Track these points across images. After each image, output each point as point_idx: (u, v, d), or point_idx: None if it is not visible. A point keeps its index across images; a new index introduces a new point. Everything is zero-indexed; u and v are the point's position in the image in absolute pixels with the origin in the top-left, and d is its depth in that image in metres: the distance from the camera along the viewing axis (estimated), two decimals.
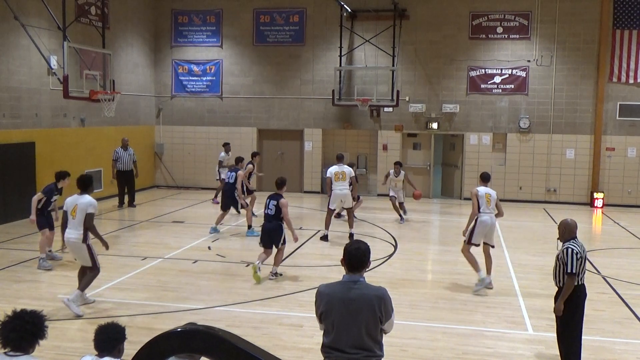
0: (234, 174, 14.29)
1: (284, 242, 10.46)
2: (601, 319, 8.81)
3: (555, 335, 7.15)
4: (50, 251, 11.34)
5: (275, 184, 10.67)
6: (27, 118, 15.77)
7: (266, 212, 10.41)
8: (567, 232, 6.84)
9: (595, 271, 11.45)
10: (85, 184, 8.83)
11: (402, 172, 16.31)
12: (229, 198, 14.32)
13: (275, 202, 10.31)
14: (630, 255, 13.01)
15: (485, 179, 10.40)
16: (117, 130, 19.12)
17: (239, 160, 14.87)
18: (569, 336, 6.81)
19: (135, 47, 20.87)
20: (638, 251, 13.38)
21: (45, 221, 11.14)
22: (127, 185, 17.84)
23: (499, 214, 10.30)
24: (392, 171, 16.38)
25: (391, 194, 16.29)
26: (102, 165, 18.53)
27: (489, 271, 10.14)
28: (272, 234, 10.33)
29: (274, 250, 10.51)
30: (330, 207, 13.78)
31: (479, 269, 10.05)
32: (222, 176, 18.92)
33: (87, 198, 8.72)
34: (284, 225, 10.36)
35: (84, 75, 15.46)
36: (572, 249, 6.65)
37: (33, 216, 10.94)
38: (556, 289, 6.93)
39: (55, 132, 16.78)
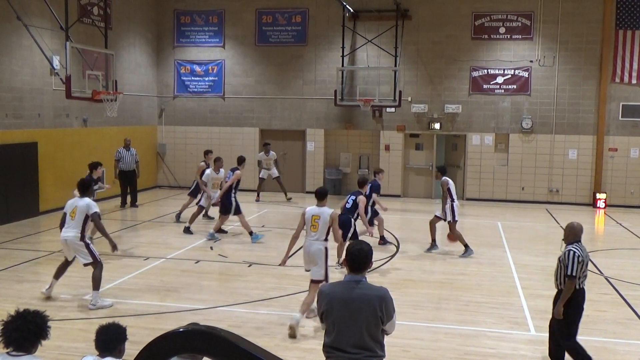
0: (231, 173, 13.73)
1: (352, 238, 10.77)
2: (603, 319, 8.80)
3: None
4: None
5: (357, 183, 11.93)
6: (29, 118, 15.79)
7: (345, 205, 11.32)
8: (572, 234, 6.85)
9: (598, 272, 11.43)
10: (85, 187, 9.20)
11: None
12: (225, 199, 13.67)
13: (354, 197, 11.28)
14: (632, 256, 12.98)
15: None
16: (120, 130, 19.14)
17: (242, 160, 14.39)
18: (568, 336, 6.81)
19: (137, 47, 20.89)
20: None
21: None
22: (129, 185, 17.86)
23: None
24: None
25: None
26: (104, 165, 18.39)
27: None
28: (342, 226, 10.45)
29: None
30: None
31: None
32: (261, 175, 19.42)
33: (86, 200, 9.02)
34: (353, 222, 11.06)
35: (87, 76, 15.49)
36: (574, 252, 6.66)
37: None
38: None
39: (58, 132, 16.81)
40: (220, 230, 14.04)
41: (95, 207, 8.98)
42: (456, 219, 12.39)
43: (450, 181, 12.58)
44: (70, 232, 8.92)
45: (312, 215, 8.32)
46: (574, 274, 6.59)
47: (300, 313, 7.98)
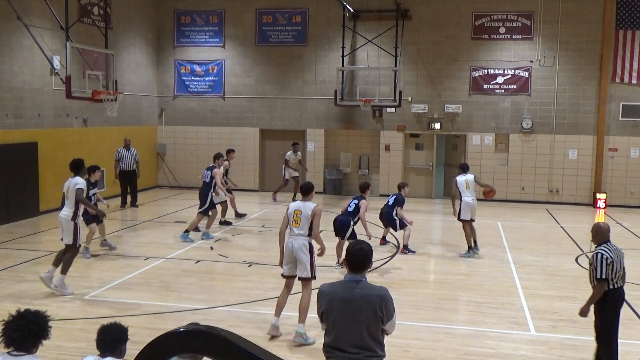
0: (209, 172, 13.80)
1: (350, 238, 11.00)
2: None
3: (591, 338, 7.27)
4: (105, 240, 12.18)
5: (359, 188, 11.99)
6: (29, 118, 15.79)
7: (347, 208, 11.59)
8: (600, 235, 6.87)
9: None
10: (77, 167, 9.70)
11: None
12: (202, 196, 13.77)
13: (357, 202, 11.46)
14: (633, 256, 12.95)
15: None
16: (120, 130, 19.14)
17: (218, 156, 14.34)
18: (607, 341, 6.83)
19: (137, 47, 20.89)
20: None
21: (90, 216, 11.45)
22: (129, 185, 17.86)
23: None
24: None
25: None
26: (104, 165, 18.48)
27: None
28: (340, 226, 11.29)
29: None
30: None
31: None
32: (287, 176, 19.35)
33: (77, 179, 9.51)
34: (351, 223, 11.24)
35: (87, 76, 15.49)
36: (602, 254, 6.65)
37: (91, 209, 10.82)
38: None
39: (58, 132, 16.81)
40: (225, 223, 15.01)
41: (82, 185, 9.39)
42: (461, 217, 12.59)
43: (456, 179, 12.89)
44: (66, 210, 9.48)
45: (294, 210, 8.03)
46: (603, 276, 6.59)
47: (301, 324, 7.66)
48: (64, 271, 9.39)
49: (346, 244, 10.36)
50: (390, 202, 12.83)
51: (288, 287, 8.12)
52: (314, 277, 7.89)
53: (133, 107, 20.49)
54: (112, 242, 12.61)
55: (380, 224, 13.41)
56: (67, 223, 9.41)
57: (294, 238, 7.94)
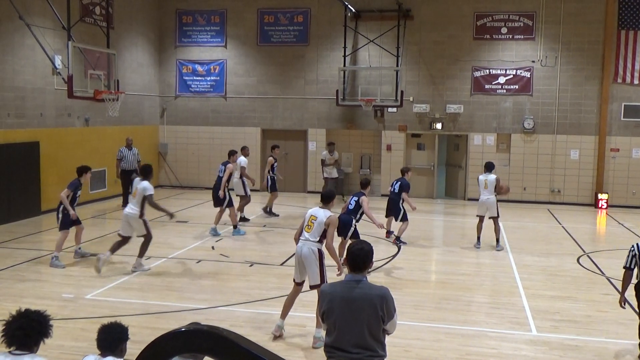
0: (223, 167, 14.29)
1: (353, 237, 10.95)
2: (605, 320, 8.79)
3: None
4: (80, 249, 11.87)
5: (360, 184, 11.84)
6: (31, 118, 15.81)
7: (348, 206, 11.54)
8: None
9: (600, 272, 11.43)
10: (146, 172, 11.02)
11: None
12: (215, 193, 14.27)
13: (356, 198, 11.45)
14: None
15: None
16: (121, 130, 19.16)
17: (232, 153, 14.74)
18: None
19: (139, 47, 20.91)
20: None
21: (68, 219, 11.24)
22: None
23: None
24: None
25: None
26: (106, 164, 18.57)
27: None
28: (343, 226, 10.97)
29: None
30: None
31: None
32: (325, 175, 19.26)
33: (145, 184, 10.80)
34: (354, 222, 11.16)
35: (89, 75, 15.50)
36: (633, 246, 7.49)
37: (72, 211, 11.19)
38: None
39: (60, 131, 16.83)
40: (242, 219, 15.51)
41: (151, 190, 10.80)
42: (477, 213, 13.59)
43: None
44: (131, 209, 10.79)
45: (310, 215, 7.83)
46: (626, 265, 7.37)
47: (319, 328, 7.45)
48: (141, 255, 10.85)
49: (349, 242, 10.44)
50: (397, 189, 13.13)
51: (296, 291, 7.99)
52: (324, 282, 7.56)
53: (135, 106, 20.51)
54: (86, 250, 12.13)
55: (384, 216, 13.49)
56: (136, 221, 10.73)
57: (302, 243, 7.75)
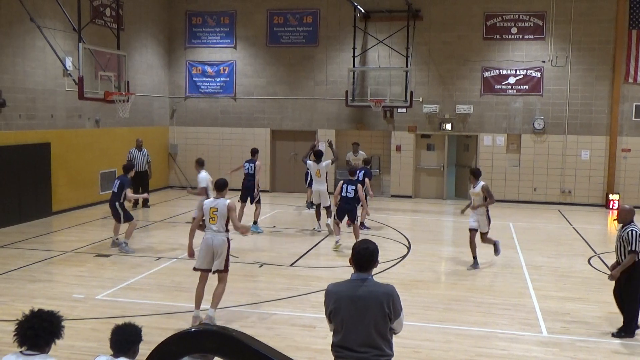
0: (252, 165, 14.64)
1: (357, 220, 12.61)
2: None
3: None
4: (117, 239, 12.56)
5: (349, 173, 13.25)
6: (42, 119, 15.90)
7: (344, 195, 12.61)
8: (629, 215, 8.09)
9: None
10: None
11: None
12: (246, 189, 14.67)
13: (354, 187, 12.57)
14: None
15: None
16: (131, 131, 19.23)
17: (255, 151, 15.12)
18: (628, 300, 8.02)
19: (149, 48, 20.99)
20: None
21: (128, 213, 12.65)
22: (141, 186, 17.90)
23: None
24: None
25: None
26: (116, 166, 18.61)
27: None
28: (349, 213, 12.74)
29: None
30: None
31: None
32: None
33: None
34: (358, 207, 12.78)
35: (99, 77, 15.57)
36: (637, 231, 7.86)
37: (140, 195, 13.95)
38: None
39: (70, 132, 16.92)
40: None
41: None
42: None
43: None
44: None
45: (209, 207, 8.33)
46: (636, 249, 7.78)
47: (212, 308, 8.24)
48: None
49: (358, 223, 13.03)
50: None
51: (205, 278, 8.56)
52: (226, 270, 8.37)
53: (145, 107, 20.59)
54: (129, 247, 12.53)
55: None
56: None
57: (213, 235, 8.30)
